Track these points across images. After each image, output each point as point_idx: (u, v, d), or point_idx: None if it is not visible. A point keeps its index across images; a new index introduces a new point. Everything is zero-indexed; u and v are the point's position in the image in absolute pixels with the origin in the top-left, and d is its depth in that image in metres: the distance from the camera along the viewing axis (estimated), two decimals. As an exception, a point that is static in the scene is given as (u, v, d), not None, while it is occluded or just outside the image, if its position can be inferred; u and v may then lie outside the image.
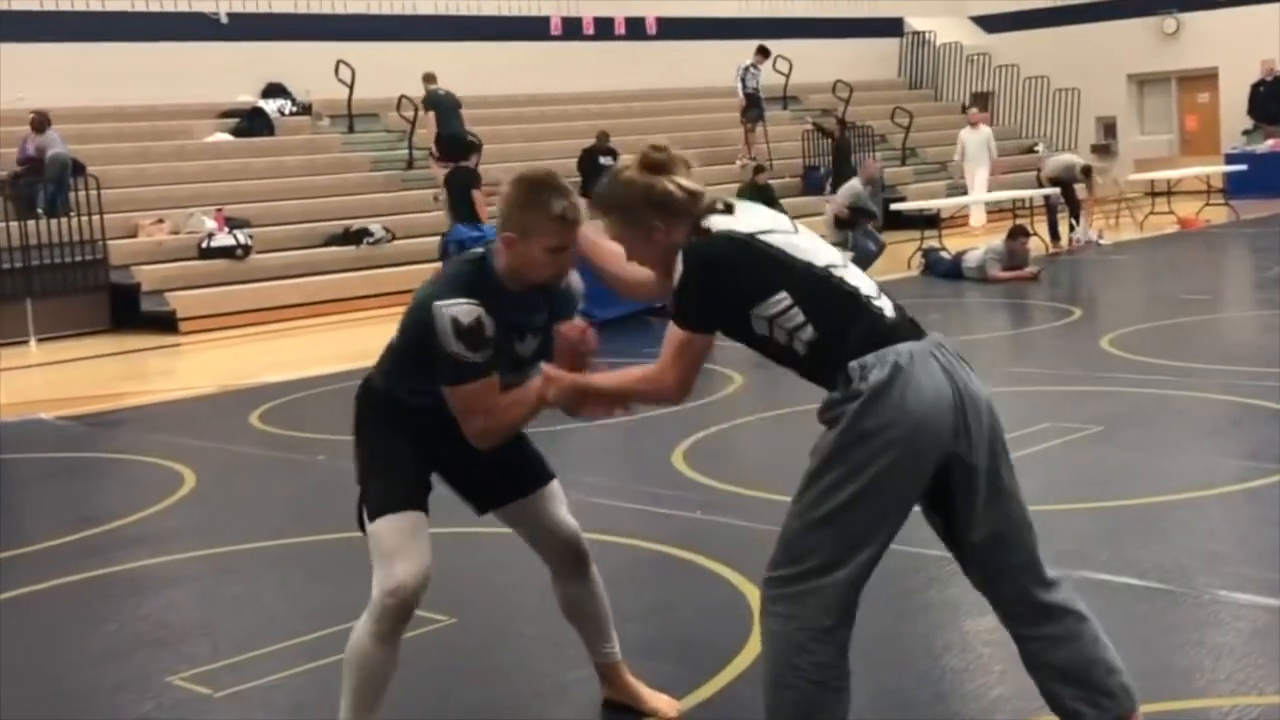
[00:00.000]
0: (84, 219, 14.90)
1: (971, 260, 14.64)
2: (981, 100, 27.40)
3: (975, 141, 20.41)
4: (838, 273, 3.13)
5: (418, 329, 3.40)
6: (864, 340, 3.04)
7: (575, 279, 3.66)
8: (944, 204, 19.18)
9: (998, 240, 14.75)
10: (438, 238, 15.61)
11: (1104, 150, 25.91)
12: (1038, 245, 16.33)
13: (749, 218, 3.17)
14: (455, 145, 17.99)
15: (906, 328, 3.12)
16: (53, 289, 14.61)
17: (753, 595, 4.98)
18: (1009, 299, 13.40)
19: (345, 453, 3.86)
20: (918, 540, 5.51)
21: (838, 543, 3.07)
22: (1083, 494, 6.03)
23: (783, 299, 3.06)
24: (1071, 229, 17.72)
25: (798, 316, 3.07)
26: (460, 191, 16.07)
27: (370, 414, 3.66)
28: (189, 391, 11.03)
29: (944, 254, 14.99)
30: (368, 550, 3.54)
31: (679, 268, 3.09)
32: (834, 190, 21.15)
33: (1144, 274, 15.69)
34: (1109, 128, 27.09)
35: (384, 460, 3.58)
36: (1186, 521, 5.70)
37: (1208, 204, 20.70)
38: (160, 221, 15.90)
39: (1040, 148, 24.92)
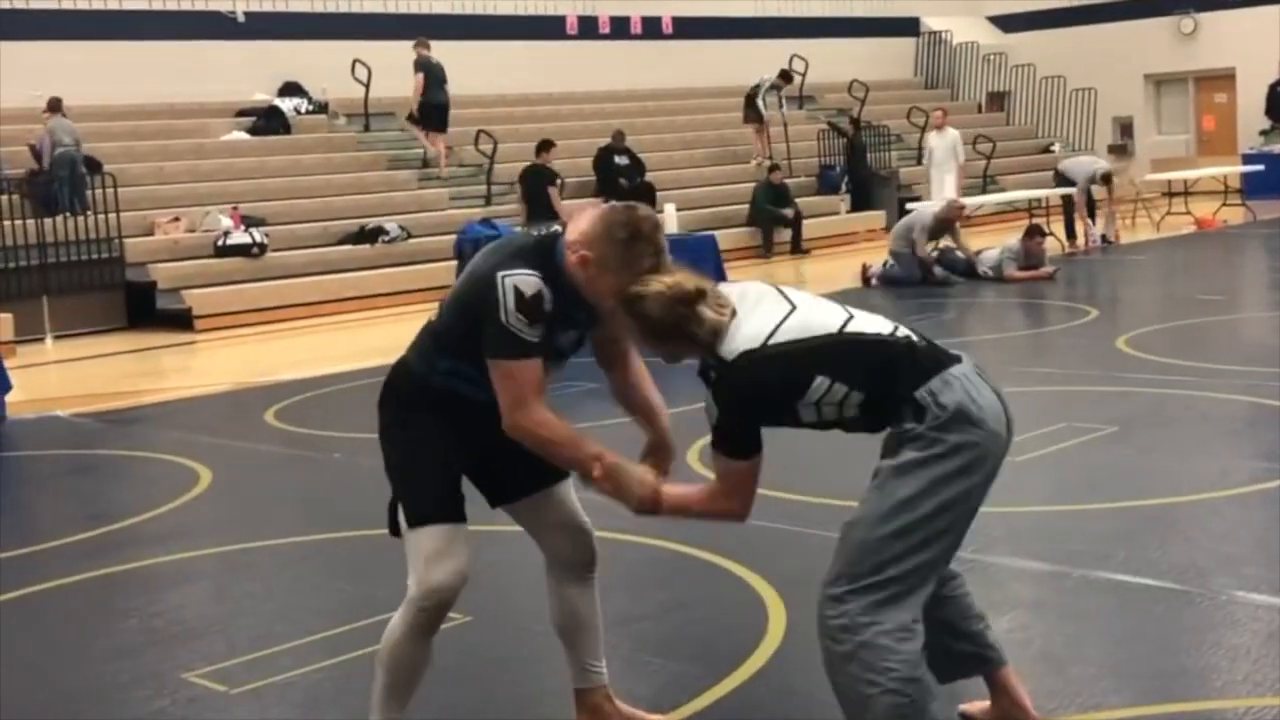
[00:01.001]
0: (100, 217, 14.95)
1: (988, 260, 14.60)
2: (998, 99, 27.39)
3: (942, 146, 19.12)
4: (853, 328, 3.23)
5: (476, 299, 3.30)
6: (915, 373, 3.19)
7: None
8: (940, 204, 19.07)
9: (1014, 240, 14.72)
10: (454, 236, 15.64)
11: (1121, 150, 25.80)
12: (1054, 245, 16.29)
13: (755, 320, 3.20)
14: (439, 114, 18.12)
15: (942, 353, 3.28)
16: (69, 286, 14.66)
17: (768, 594, 4.98)
18: (1025, 299, 13.37)
19: (361, 450, 3.87)
20: (933, 540, 5.52)
21: (922, 549, 3.18)
22: (1099, 494, 6.01)
23: (821, 383, 3.17)
24: (1087, 230, 17.66)
25: (840, 390, 3.17)
26: (537, 188, 16.20)
27: (404, 402, 3.52)
28: (204, 389, 11.05)
29: (959, 253, 14.95)
30: (384, 548, 3.54)
31: (714, 407, 3.21)
32: (850, 190, 21.17)
33: (1160, 274, 15.64)
34: (1126, 128, 27.02)
35: (423, 462, 3.47)
36: (1202, 522, 5.68)
37: (1225, 204, 20.64)
38: (176, 219, 15.94)
39: (1056, 147, 24.87)
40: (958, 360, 3.26)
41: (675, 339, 3.22)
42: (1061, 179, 17.84)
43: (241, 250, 15.56)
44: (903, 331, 3.28)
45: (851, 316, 3.25)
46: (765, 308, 3.24)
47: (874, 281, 14.72)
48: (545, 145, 17.10)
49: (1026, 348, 11.06)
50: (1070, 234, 17.53)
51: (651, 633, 4.66)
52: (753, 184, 19.54)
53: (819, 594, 3.25)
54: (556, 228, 3.44)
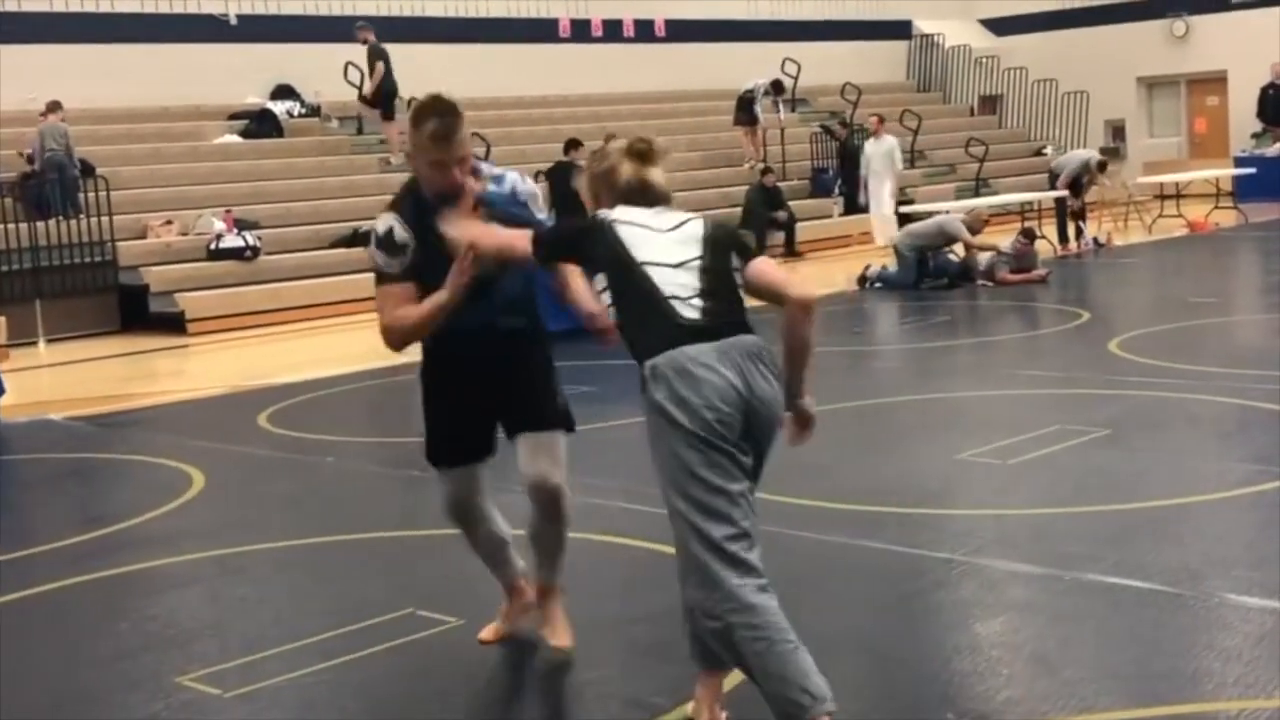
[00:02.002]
0: (93, 220, 14.94)
1: (980, 263, 14.63)
2: (990, 103, 27.44)
3: (879, 154, 19.19)
4: (649, 271, 3.50)
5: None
6: (652, 341, 3.50)
7: (512, 180, 4.21)
8: (953, 206, 19.15)
9: (1006, 242, 14.74)
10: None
11: (1113, 153, 25.87)
12: (1045, 248, 16.32)
13: (630, 213, 3.61)
14: (392, 99, 18.05)
15: (681, 335, 3.48)
16: (62, 290, 14.65)
17: (761, 597, 4.98)
18: (1017, 301, 13.39)
19: (355, 454, 3.90)
20: (922, 543, 5.55)
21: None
22: (1090, 497, 6.03)
23: (599, 280, 3.60)
24: (1080, 233, 17.73)
25: (608, 298, 3.58)
26: (565, 186, 16.26)
27: (422, 367, 4.28)
28: (198, 393, 11.05)
29: (951, 256, 14.97)
30: (377, 552, 3.55)
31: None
32: (843, 193, 21.19)
33: (1152, 277, 15.67)
34: (1118, 130, 27.08)
35: (433, 418, 4.31)
36: (1194, 525, 5.70)
37: (1216, 207, 20.68)
38: (169, 223, 15.94)
39: (1049, 150, 24.92)
40: (682, 342, 3.46)
41: (604, 188, 3.74)
42: (1055, 178, 17.91)
43: (234, 253, 15.56)
44: (689, 306, 3.48)
45: (677, 264, 3.51)
46: (646, 214, 3.61)
47: (870, 284, 14.76)
48: (574, 144, 16.95)
49: (1019, 350, 11.08)
50: (1063, 237, 17.57)
51: (646, 635, 4.66)
52: (746, 187, 19.56)
53: None
54: None
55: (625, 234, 3.54)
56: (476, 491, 4.36)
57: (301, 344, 13.60)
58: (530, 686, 4.41)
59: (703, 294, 3.49)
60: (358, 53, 18.85)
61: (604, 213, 3.63)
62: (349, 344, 13.10)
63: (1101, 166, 17.53)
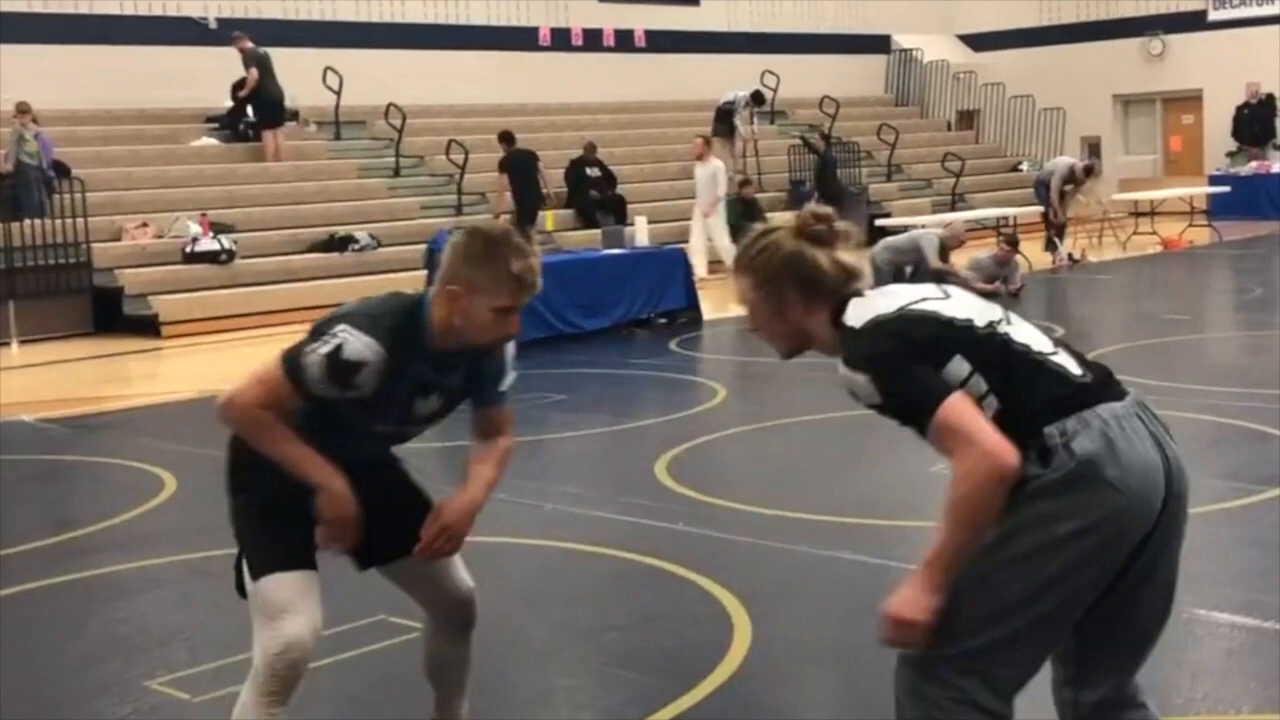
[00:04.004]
0: (68, 221, 14.86)
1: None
2: (968, 118, 27.56)
3: (703, 177, 17.41)
4: (1005, 329, 2.71)
5: (314, 326, 3.20)
6: (1055, 404, 2.63)
7: (509, 352, 3.35)
8: (929, 219, 19.22)
9: (983, 254, 14.78)
10: (424, 245, 15.62)
11: (1090, 171, 26.00)
12: (1032, 257, 16.39)
13: (899, 292, 2.76)
14: (275, 108, 17.99)
15: (1101, 384, 2.71)
16: (35, 291, 14.56)
17: (734, 608, 4.99)
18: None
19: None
20: (895, 555, 5.56)
21: (1016, 626, 2.63)
22: (1063, 511, 6.04)
23: (960, 366, 2.63)
24: (1054, 247, 17.82)
25: (979, 385, 2.62)
26: (524, 173, 16.32)
27: (248, 457, 3.26)
28: (171, 396, 11.00)
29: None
30: (347, 559, 3.51)
31: (864, 368, 2.63)
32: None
33: (1127, 293, 15.75)
34: (1094, 147, 27.21)
35: (269, 513, 3.23)
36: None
37: (1191, 225, 20.82)
38: (144, 225, 15.87)
39: (1025, 167, 25.05)
40: (1119, 396, 2.69)
41: (792, 282, 2.76)
42: (1043, 186, 18.07)
43: (210, 257, 15.50)
44: (1063, 358, 2.71)
45: (1008, 319, 2.74)
46: (912, 287, 2.80)
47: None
48: (508, 136, 17.60)
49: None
50: (1050, 245, 17.68)
51: (618, 644, 4.66)
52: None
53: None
54: (421, 294, 3.24)
55: (937, 303, 2.75)
56: (320, 611, 3.30)
57: (276, 348, 13.47)
58: (506, 693, 4.40)
59: None
60: (336, 57, 18.85)
61: (869, 313, 2.72)
62: (324, 349, 13.05)
63: (1088, 170, 17.67)
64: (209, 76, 18.64)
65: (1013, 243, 14.74)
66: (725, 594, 5.16)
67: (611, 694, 4.29)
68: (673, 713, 4.09)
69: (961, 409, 2.55)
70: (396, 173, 18.95)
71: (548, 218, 17.50)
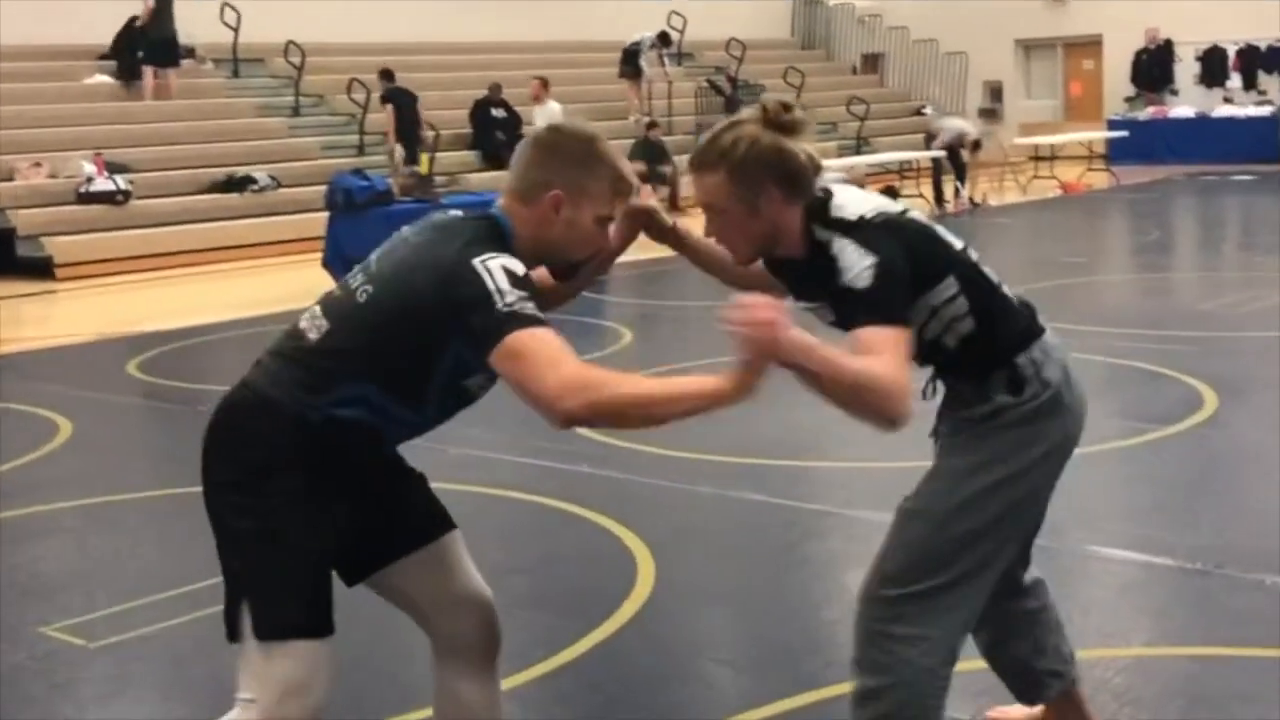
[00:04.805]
0: (-43, 160, 14.46)
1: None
2: (872, 62, 27.65)
3: (541, 118, 15.80)
4: (974, 255, 2.79)
5: (441, 292, 2.47)
6: (1022, 333, 2.76)
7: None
8: (834, 164, 19.32)
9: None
10: (325, 186, 15.41)
11: (990, 114, 26.27)
12: (922, 206, 16.51)
13: (871, 196, 2.75)
14: (164, 47, 17.62)
15: (1035, 317, 2.84)
16: (-77, 232, 14.17)
17: (638, 548, 5.01)
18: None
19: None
20: (796, 495, 5.61)
21: (987, 549, 2.75)
22: (962, 451, 6.13)
23: (950, 284, 2.68)
24: (957, 192, 17.99)
25: (962, 305, 2.69)
26: (402, 113, 16.14)
27: (260, 457, 2.57)
28: (65, 339, 10.77)
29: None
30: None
31: (864, 255, 2.55)
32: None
33: (1026, 237, 15.95)
34: (996, 92, 27.46)
35: (288, 550, 2.55)
36: (1061, 478, 5.81)
37: (1089, 169, 21.12)
38: (38, 165, 15.47)
39: (929, 110, 25.20)
40: (1043, 329, 2.83)
41: (774, 178, 2.63)
42: (931, 138, 18.15)
43: (105, 198, 15.16)
44: (1005, 286, 2.82)
45: (967, 245, 2.80)
46: (872, 195, 2.77)
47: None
48: (388, 73, 17.63)
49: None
50: (939, 198, 17.82)
51: (522, 585, 4.66)
52: (630, 140, 19.51)
53: (863, 590, 2.83)
54: (488, 211, 2.68)
55: (917, 216, 2.77)
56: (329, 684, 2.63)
57: (173, 291, 13.30)
58: (404, 634, 4.38)
59: None
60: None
61: (868, 207, 2.68)
62: (223, 292, 12.86)
63: (975, 145, 17.74)
64: (104, 11, 18.15)
65: (890, 192, 14.89)
66: (630, 535, 5.18)
67: (517, 635, 4.29)
68: (576, 652, 4.10)
69: (908, 342, 2.55)
70: (296, 112, 18.64)
71: (423, 161, 17.22)
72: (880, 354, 2.47)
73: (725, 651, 4.26)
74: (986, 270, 2.79)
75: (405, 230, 2.70)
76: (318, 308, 2.65)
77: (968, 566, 2.73)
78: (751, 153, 2.63)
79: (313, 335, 2.59)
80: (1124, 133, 22.76)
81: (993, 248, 15.00)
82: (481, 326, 2.44)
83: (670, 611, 4.46)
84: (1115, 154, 22.20)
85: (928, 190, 17.93)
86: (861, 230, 2.61)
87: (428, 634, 2.88)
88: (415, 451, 2.81)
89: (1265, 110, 23.44)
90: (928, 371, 2.90)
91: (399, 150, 17.10)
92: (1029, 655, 3.11)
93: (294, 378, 2.57)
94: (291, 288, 12.75)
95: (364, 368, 2.54)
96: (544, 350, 2.42)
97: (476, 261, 2.48)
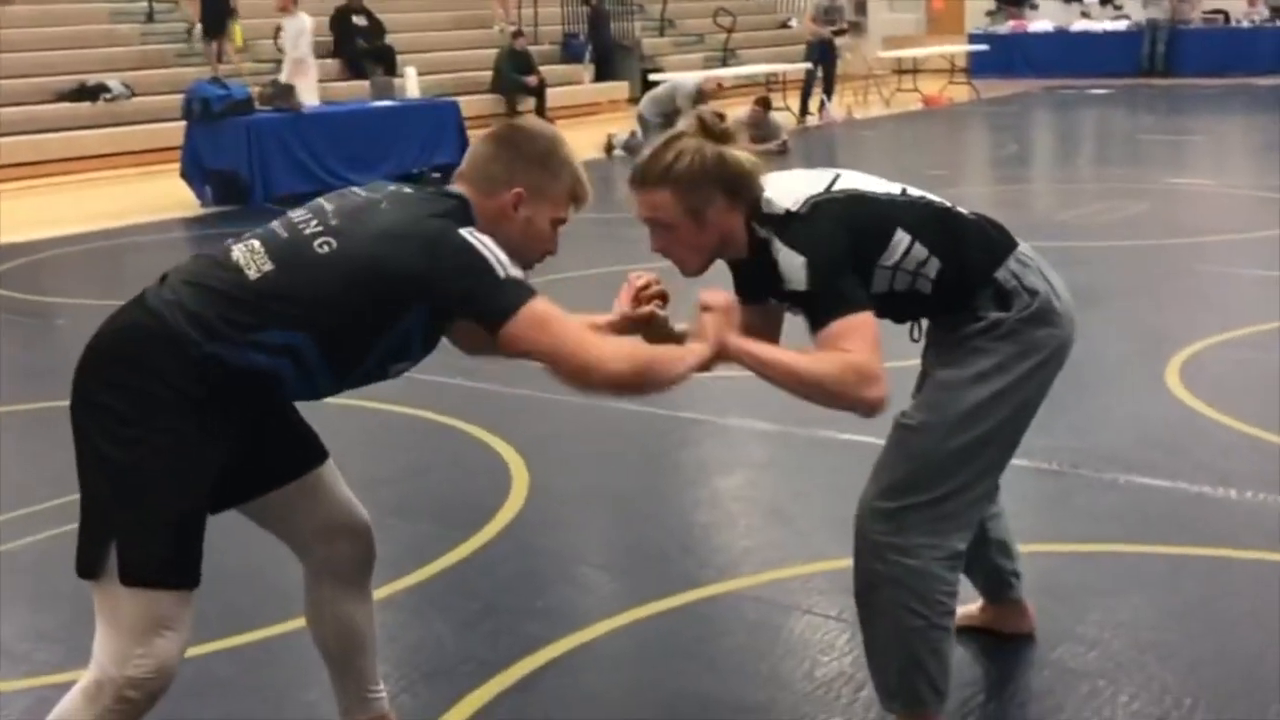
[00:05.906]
0: None
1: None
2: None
3: (289, 32, 13.81)
4: (915, 192, 2.83)
5: (432, 262, 2.43)
6: (989, 254, 2.81)
7: None
8: (701, 75, 19.28)
9: (742, 111, 14.93)
10: (181, 95, 14.99)
11: (855, 27, 26.37)
12: (787, 119, 16.62)
13: (800, 177, 2.78)
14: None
15: (1005, 231, 2.90)
16: None
17: (510, 457, 5.04)
18: (761, 171, 13.60)
19: (86, 317, 3.70)
20: (670, 403, 5.67)
21: (987, 458, 2.83)
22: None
23: (901, 238, 2.71)
24: (822, 105, 18.11)
25: (920, 252, 2.72)
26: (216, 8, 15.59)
27: (154, 390, 2.41)
28: (-88, 252, 10.41)
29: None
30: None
31: (793, 255, 2.60)
32: (594, 60, 21.11)
33: (889, 149, 16.14)
34: (860, 4, 27.59)
35: (169, 496, 2.42)
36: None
37: (951, 82, 21.39)
38: (-126, 70, 14.82)
39: (794, 23, 25.25)
40: (1016, 242, 2.88)
41: (718, 187, 2.66)
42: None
43: (-50, 106, 14.59)
44: (961, 207, 2.88)
45: (905, 188, 2.85)
46: (804, 171, 2.83)
47: (617, 152, 14.80)
48: None
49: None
50: (804, 109, 17.94)
51: (392, 496, 4.66)
52: (496, 50, 19.28)
53: (862, 505, 2.85)
54: (450, 189, 2.66)
55: (848, 181, 2.83)
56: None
57: (25, 203, 12.89)
58: (266, 551, 4.36)
59: None
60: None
61: (799, 194, 2.72)
62: (77, 204, 12.50)
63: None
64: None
65: (764, 102, 14.93)
66: (502, 444, 5.21)
67: (388, 546, 4.28)
68: (449, 561, 4.13)
69: (875, 325, 2.62)
70: (150, 18, 18.06)
71: (237, 31, 16.69)
72: (845, 344, 2.57)
73: (601, 556, 4.32)
74: (933, 200, 2.83)
75: (361, 191, 2.64)
76: (257, 243, 2.51)
77: (969, 477, 2.80)
78: (696, 166, 2.65)
79: (251, 273, 2.45)
80: (984, 47, 23.05)
81: (857, 161, 15.18)
82: (488, 295, 2.45)
83: (545, 518, 4.51)
84: (976, 68, 22.50)
85: (794, 103, 18.02)
86: (789, 227, 2.65)
87: (301, 559, 2.87)
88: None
89: (1121, 24, 23.91)
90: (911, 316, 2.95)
91: (196, 11, 16.69)
92: (996, 555, 3.29)
93: (218, 312, 2.42)
94: (148, 199, 12.44)
95: (304, 318, 2.43)
96: (566, 319, 2.51)
97: (465, 233, 2.48)
